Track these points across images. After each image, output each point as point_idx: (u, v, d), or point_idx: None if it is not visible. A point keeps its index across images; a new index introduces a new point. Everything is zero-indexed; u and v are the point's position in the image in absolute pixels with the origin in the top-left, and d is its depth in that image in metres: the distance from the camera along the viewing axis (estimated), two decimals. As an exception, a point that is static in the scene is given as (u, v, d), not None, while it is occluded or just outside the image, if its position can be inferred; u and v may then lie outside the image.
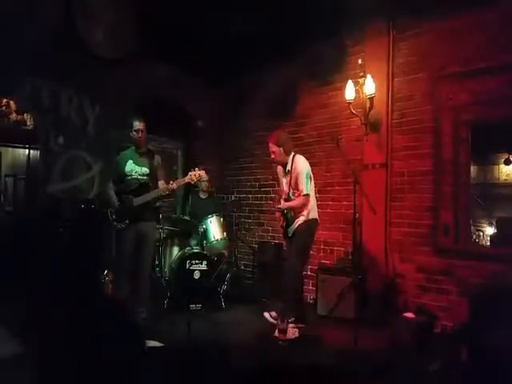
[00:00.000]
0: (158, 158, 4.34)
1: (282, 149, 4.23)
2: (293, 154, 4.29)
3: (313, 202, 4.25)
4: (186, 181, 4.18)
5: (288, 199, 4.24)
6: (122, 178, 4.20)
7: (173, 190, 4.14)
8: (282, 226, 4.36)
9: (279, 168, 4.42)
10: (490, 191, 6.80)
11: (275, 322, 4.02)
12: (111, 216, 4.11)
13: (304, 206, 4.16)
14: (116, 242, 4.20)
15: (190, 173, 4.21)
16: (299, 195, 4.14)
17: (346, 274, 4.61)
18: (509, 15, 3.87)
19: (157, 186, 4.20)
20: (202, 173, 4.23)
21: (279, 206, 4.24)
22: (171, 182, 4.12)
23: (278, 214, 4.36)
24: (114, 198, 4.15)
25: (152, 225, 4.31)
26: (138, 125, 4.18)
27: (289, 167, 4.25)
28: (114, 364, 1.68)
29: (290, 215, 4.24)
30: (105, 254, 4.79)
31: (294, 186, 4.19)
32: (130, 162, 4.20)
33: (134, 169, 4.19)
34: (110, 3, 4.67)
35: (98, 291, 4.46)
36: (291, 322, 4.03)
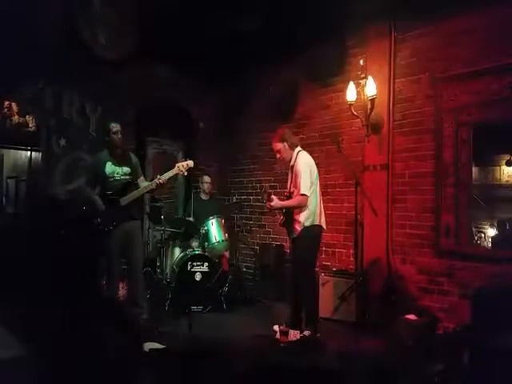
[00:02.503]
0: (134, 157, 4.34)
1: (285, 144, 4.06)
2: (298, 149, 4.11)
3: (314, 205, 3.95)
4: (175, 172, 4.10)
5: (289, 198, 4.08)
6: (102, 181, 4.11)
7: (161, 185, 4.08)
8: (280, 224, 4.19)
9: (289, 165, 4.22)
10: (491, 192, 6.78)
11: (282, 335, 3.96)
12: (97, 220, 4.01)
13: (300, 206, 3.91)
14: (106, 243, 4.14)
15: (177, 164, 4.13)
16: (297, 194, 3.94)
17: (348, 276, 4.61)
18: (510, 16, 3.86)
19: (138, 184, 4.20)
20: (190, 162, 4.15)
21: (271, 204, 4.03)
22: (158, 177, 4.06)
23: (279, 214, 4.19)
24: (99, 202, 4.03)
25: (139, 223, 4.32)
26: (115, 126, 4.12)
27: (292, 162, 4.07)
28: (114, 365, 1.68)
29: (289, 214, 4.02)
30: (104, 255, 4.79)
31: (294, 183, 4.01)
32: (109, 164, 4.11)
33: (116, 170, 4.12)
34: (111, 6, 4.69)
35: (98, 292, 4.47)
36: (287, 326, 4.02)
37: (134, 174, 4.20)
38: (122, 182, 4.12)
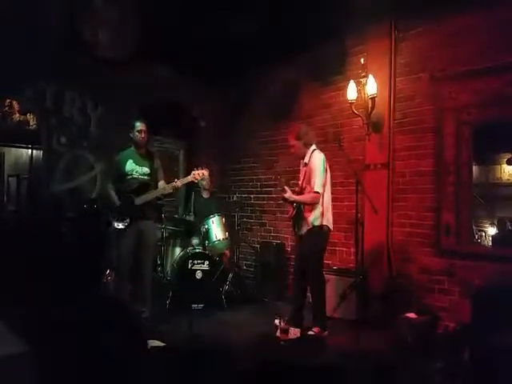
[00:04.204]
0: (158, 160, 4.39)
1: (301, 142, 4.07)
2: (314, 147, 4.13)
3: (325, 205, 4.01)
4: (190, 179, 4.21)
5: (300, 194, 4.10)
6: (122, 177, 4.21)
7: (176, 189, 4.16)
8: (290, 217, 4.19)
9: (301, 161, 4.24)
10: (492, 191, 6.77)
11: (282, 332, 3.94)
12: (112, 216, 4.12)
13: (312, 203, 3.95)
14: (117, 241, 4.21)
15: (193, 172, 4.23)
16: (310, 191, 3.98)
17: (348, 274, 4.62)
18: (509, 16, 3.86)
19: (156, 187, 4.23)
20: (206, 172, 4.25)
21: (284, 196, 4.00)
22: (175, 181, 4.15)
23: (289, 207, 4.17)
24: (115, 198, 4.17)
25: (153, 224, 4.34)
26: (140, 125, 4.20)
27: (306, 160, 4.10)
28: (116, 363, 1.68)
29: (301, 210, 4.04)
30: (107, 253, 4.81)
31: (307, 180, 4.04)
32: (131, 161, 4.21)
33: (135, 168, 4.21)
34: (112, 5, 4.69)
35: (99, 290, 4.49)
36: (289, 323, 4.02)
37: (153, 176, 4.25)
38: (140, 182, 4.18)
